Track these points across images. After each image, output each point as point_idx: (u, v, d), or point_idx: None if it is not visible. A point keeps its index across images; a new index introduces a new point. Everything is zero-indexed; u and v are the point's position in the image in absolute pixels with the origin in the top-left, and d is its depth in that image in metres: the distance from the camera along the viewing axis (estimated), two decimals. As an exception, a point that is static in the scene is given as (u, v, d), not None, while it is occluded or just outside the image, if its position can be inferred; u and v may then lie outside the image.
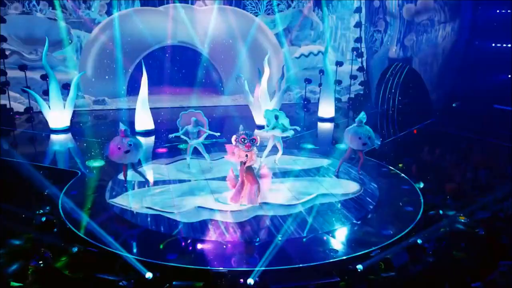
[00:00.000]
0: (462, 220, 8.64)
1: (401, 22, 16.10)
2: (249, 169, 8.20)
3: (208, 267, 6.35)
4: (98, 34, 16.83)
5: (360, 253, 6.88)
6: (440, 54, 15.16)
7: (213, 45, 17.91)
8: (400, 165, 10.89)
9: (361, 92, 19.17)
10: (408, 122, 15.74)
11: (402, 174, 10.44)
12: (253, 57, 16.43)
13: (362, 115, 9.83)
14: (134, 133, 13.78)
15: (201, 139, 10.40)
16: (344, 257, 6.77)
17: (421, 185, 9.84)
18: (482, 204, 8.82)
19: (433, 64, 15.44)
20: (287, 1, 18.78)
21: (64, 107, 14.24)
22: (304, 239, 7.30)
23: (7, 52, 16.11)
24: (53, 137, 13.83)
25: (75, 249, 6.79)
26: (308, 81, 18.53)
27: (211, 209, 8.37)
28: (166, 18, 17.28)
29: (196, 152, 10.67)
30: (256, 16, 18.53)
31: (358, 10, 18.41)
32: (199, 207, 8.45)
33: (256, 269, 6.18)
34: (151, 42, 17.24)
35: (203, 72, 18.56)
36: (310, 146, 12.84)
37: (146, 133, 13.88)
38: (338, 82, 18.84)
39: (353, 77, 19.05)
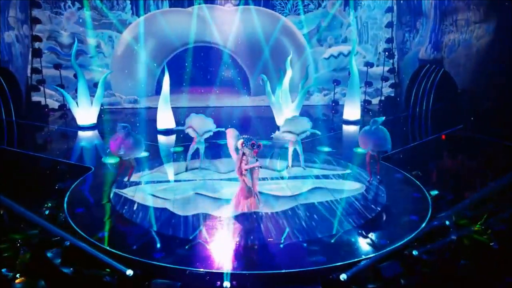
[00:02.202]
0: (477, 232, 8.25)
1: (433, 22, 15.39)
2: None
3: (187, 268, 6.34)
4: (128, 35, 17.31)
5: (349, 261, 6.62)
6: (473, 55, 14.36)
7: (239, 46, 17.97)
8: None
9: (392, 95, 18.54)
10: (437, 127, 15.07)
11: (416, 181, 9.98)
12: (279, 57, 16.22)
13: (378, 119, 9.57)
14: (156, 131, 14.18)
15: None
16: (331, 265, 6.54)
17: (434, 193, 9.37)
18: (497, 214, 8.33)
19: (466, 65, 14.65)
20: (318, 0, 18.47)
21: (92, 104, 14.78)
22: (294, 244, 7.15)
23: (45, 51, 16.92)
24: (80, 133, 14.38)
25: (67, 243, 7.00)
26: (336, 82, 18.17)
27: (207, 197, 8.67)
28: (193, 19, 17.48)
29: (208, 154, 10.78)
30: (286, 16, 18.36)
31: (389, 9, 17.82)
32: (196, 193, 8.77)
33: (226, 272, 6.12)
34: (179, 43, 17.55)
35: (229, 72, 18.68)
36: (327, 149, 12.55)
37: (167, 132, 14.11)
38: (369, 83, 18.41)
39: (384, 78, 18.51)
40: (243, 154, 7.72)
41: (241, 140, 7.74)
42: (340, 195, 9.03)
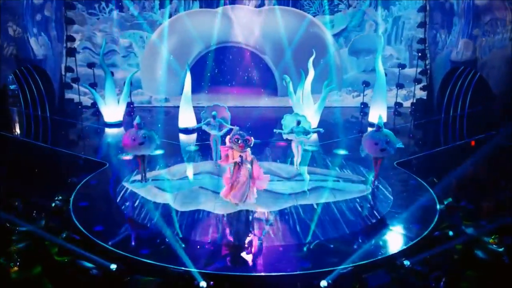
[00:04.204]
0: (492, 245, 7.81)
1: (466, 21, 14.64)
2: (244, 169, 8.14)
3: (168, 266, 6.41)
4: (157, 36, 17.75)
5: (334, 268, 6.42)
6: (509, 57, 13.52)
7: (266, 46, 17.95)
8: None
9: (424, 97, 17.83)
10: (469, 132, 14.37)
11: (429, 188, 9.54)
12: (306, 57, 15.95)
13: (380, 120, 9.20)
14: (177, 130, 14.42)
15: (221, 132, 10.66)
16: (316, 271, 6.37)
17: (447, 201, 8.90)
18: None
19: (501, 68, 13.82)
20: (348, 0, 18.09)
21: (118, 102, 15.26)
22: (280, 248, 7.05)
23: (80, 51, 17.65)
24: (106, 130, 14.88)
25: (63, 235, 7.28)
26: (366, 84, 17.67)
27: (209, 190, 8.94)
28: (221, 19, 17.66)
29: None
30: (315, 16, 18.12)
31: (422, 9, 17.13)
32: (200, 187, 9.08)
33: (193, 271, 6.13)
34: (206, 43, 17.75)
35: (257, 73, 18.66)
36: (343, 152, 12.26)
37: (188, 131, 14.28)
38: (400, 85, 17.79)
39: (417, 80, 17.83)
40: (230, 148, 8.12)
41: (228, 136, 8.18)
42: (342, 195, 8.92)
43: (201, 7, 17.97)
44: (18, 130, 14.40)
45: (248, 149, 8.12)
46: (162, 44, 17.58)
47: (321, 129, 10.78)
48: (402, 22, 17.96)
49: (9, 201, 8.65)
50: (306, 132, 10.28)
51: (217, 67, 18.69)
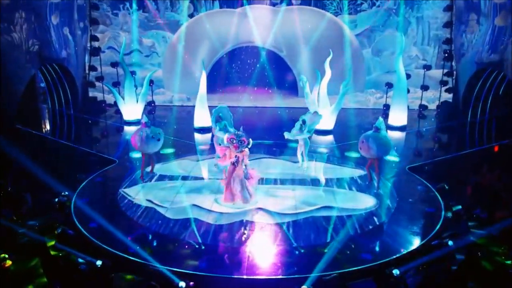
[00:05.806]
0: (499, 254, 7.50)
1: (493, 21, 13.96)
2: (239, 170, 8.15)
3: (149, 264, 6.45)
4: (178, 36, 17.93)
5: (319, 274, 6.25)
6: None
7: (288, 46, 17.83)
8: None
9: (450, 100, 17.16)
10: (494, 136, 13.74)
11: (438, 195, 9.15)
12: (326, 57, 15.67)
13: (378, 122, 8.99)
14: (193, 129, 14.53)
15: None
16: (300, 276, 6.24)
17: (456, 209, 8.51)
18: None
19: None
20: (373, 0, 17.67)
21: (137, 101, 15.54)
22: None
23: (105, 50, 18.10)
24: (125, 128, 15.18)
25: (59, 230, 7.47)
26: (389, 85, 17.21)
27: (203, 209, 8.43)
28: (240, 19, 17.68)
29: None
30: (336, 16, 17.81)
31: (448, 8, 16.46)
32: (193, 205, 8.57)
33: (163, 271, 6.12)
34: (227, 43, 17.81)
35: (278, 73, 18.51)
36: (354, 155, 11.97)
37: (203, 130, 14.35)
38: (425, 87, 17.24)
39: (443, 82, 17.21)
40: (227, 148, 8.18)
41: (226, 135, 8.28)
42: (349, 213, 8.32)
43: (221, 7, 18.01)
44: (39, 127, 14.91)
45: (246, 150, 8.07)
46: (182, 45, 17.76)
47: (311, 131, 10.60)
48: (427, 22, 17.35)
49: (19, 195, 9.06)
50: (310, 130, 10.22)
51: (236, 67, 18.70)
